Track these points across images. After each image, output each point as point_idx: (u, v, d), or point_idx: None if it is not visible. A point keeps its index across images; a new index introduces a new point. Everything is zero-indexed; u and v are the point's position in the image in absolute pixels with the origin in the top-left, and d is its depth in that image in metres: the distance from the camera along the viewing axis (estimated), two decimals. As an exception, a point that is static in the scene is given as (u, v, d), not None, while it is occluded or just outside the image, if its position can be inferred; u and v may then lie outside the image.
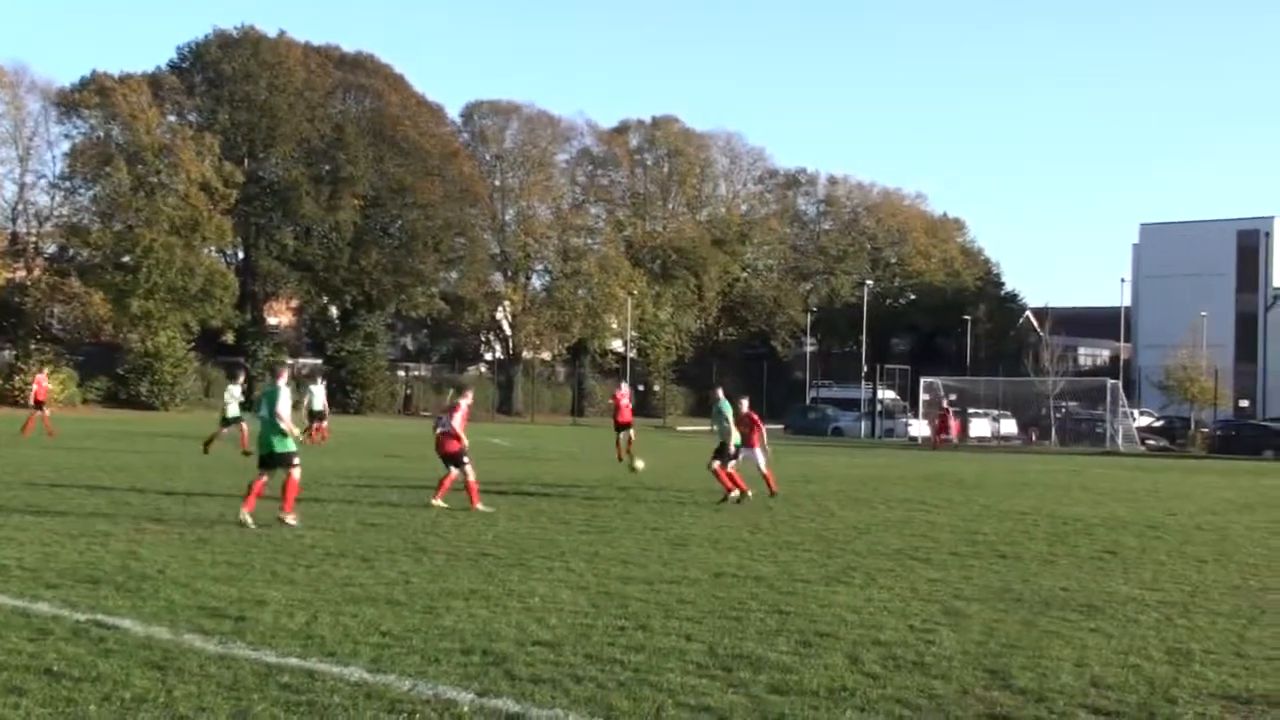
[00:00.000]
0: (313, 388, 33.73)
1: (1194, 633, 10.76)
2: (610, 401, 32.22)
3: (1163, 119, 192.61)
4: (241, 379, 34.60)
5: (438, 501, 19.70)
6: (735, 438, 22.18)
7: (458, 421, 20.17)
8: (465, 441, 20.19)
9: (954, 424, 67.46)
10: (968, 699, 8.27)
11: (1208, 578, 14.18)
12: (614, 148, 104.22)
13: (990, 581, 13.36)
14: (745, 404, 23.34)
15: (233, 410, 32.02)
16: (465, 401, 20.85)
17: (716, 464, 22.18)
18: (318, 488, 22.42)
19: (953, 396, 69.68)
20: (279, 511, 16.47)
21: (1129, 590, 13.01)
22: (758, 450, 23.26)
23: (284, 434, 16.86)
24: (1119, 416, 63.22)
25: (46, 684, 7.97)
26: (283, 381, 17.37)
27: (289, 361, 36.42)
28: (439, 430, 20.41)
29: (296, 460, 16.92)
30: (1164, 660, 9.62)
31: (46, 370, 43.73)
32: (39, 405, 39.98)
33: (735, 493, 21.78)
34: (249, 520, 16.22)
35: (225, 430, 31.91)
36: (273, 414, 16.82)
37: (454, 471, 19.95)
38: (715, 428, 23.20)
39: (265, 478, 16.83)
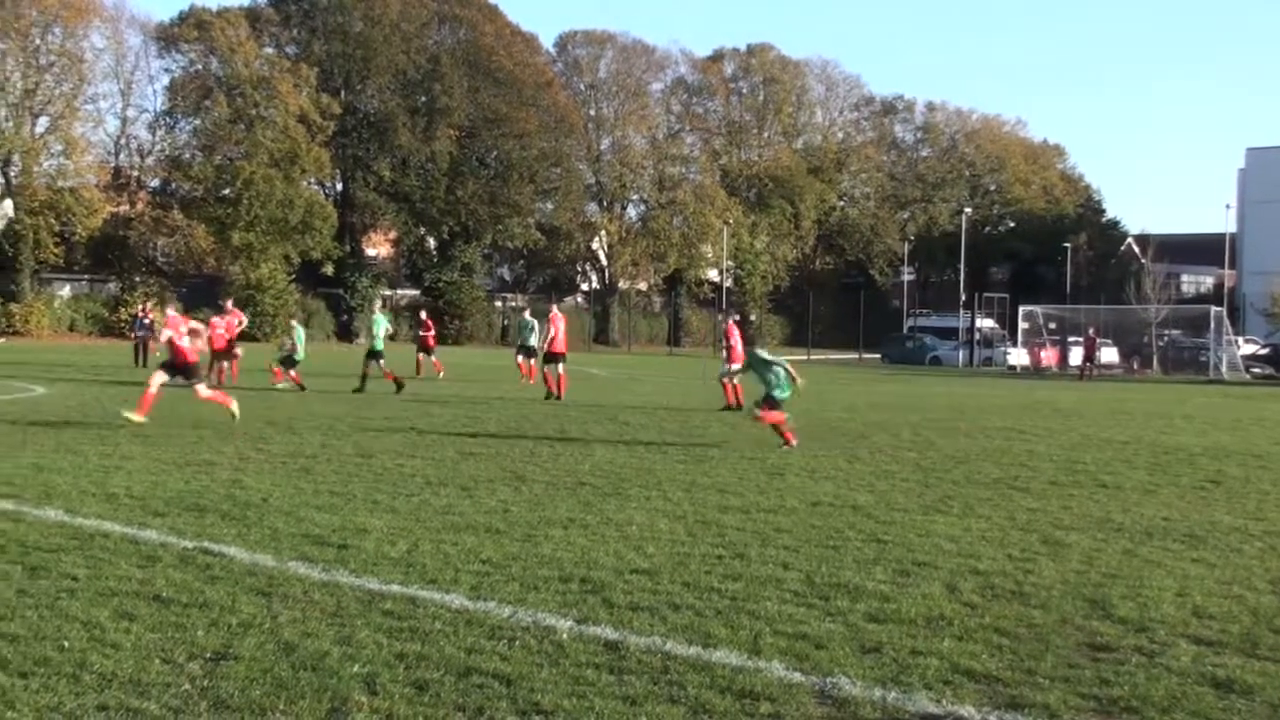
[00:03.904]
0: (527, 317, 34.34)
1: (1299, 563, 10.60)
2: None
3: (1270, 39, 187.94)
4: (527, 313, 35.90)
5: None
6: None
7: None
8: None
9: (1053, 352, 66.76)
10: (1067, 628, 8.21)
11: (1314, 508, 13.96)
12: (709, 76, 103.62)
13: (1090, 511, 13.23)
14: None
15: (529, 342, 33.64)
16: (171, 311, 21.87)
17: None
18: (416, 419, 22.65)
19: (1053, 325, 68.94)
20: None
21: (1232, 520, 12.83)
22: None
23: None
24: (1223, 344, 62.13)
25: (156, 609, 8.13)
26: None
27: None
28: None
29: None
30: (1268, 590, 9.47)
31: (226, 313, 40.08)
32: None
33: None
34: None
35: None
36: None
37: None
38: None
39: None
